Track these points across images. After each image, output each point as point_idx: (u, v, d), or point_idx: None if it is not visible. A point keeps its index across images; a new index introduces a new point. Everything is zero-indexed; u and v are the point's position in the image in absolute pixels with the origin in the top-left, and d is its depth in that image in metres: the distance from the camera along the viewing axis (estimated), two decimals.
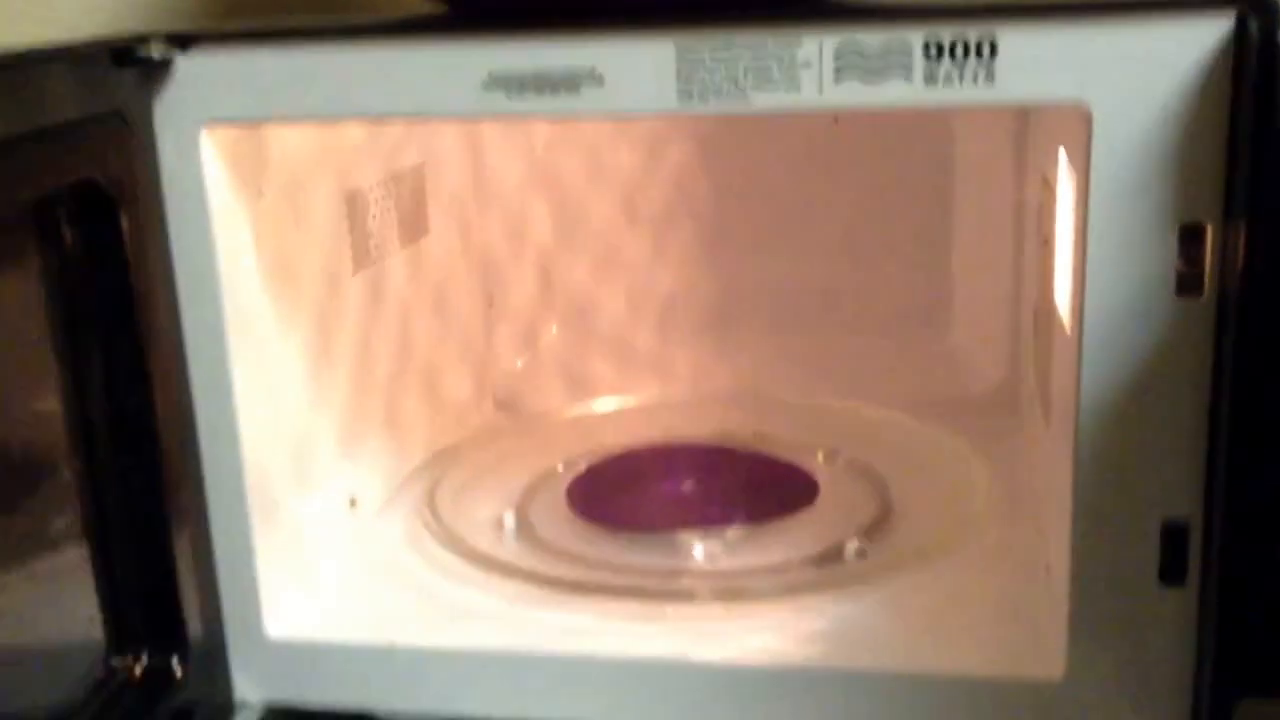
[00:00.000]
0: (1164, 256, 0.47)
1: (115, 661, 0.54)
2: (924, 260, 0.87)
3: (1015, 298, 0.83)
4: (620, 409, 0.87)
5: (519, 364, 0.91)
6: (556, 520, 0.69)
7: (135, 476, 0.53)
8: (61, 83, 0.47)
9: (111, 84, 0.49)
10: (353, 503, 0.69)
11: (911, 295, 0.88)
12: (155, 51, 0.51)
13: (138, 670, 0.54)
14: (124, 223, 0.50)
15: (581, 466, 0.76)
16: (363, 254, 0.70)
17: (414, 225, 0.77)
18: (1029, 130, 0.78)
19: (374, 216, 0.71)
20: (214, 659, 0.58)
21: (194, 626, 0.55)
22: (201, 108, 0.52)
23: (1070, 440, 0.50)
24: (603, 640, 0.57)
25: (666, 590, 0.60)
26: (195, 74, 0.52)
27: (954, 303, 0.87)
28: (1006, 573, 0.62)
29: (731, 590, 0.60)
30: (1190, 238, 0.46)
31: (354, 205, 0.69)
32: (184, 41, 0.51)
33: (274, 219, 0.59)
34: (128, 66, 0.50)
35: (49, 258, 0.50)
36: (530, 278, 0.90)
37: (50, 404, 0.50)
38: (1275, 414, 0.45)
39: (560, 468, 0.76)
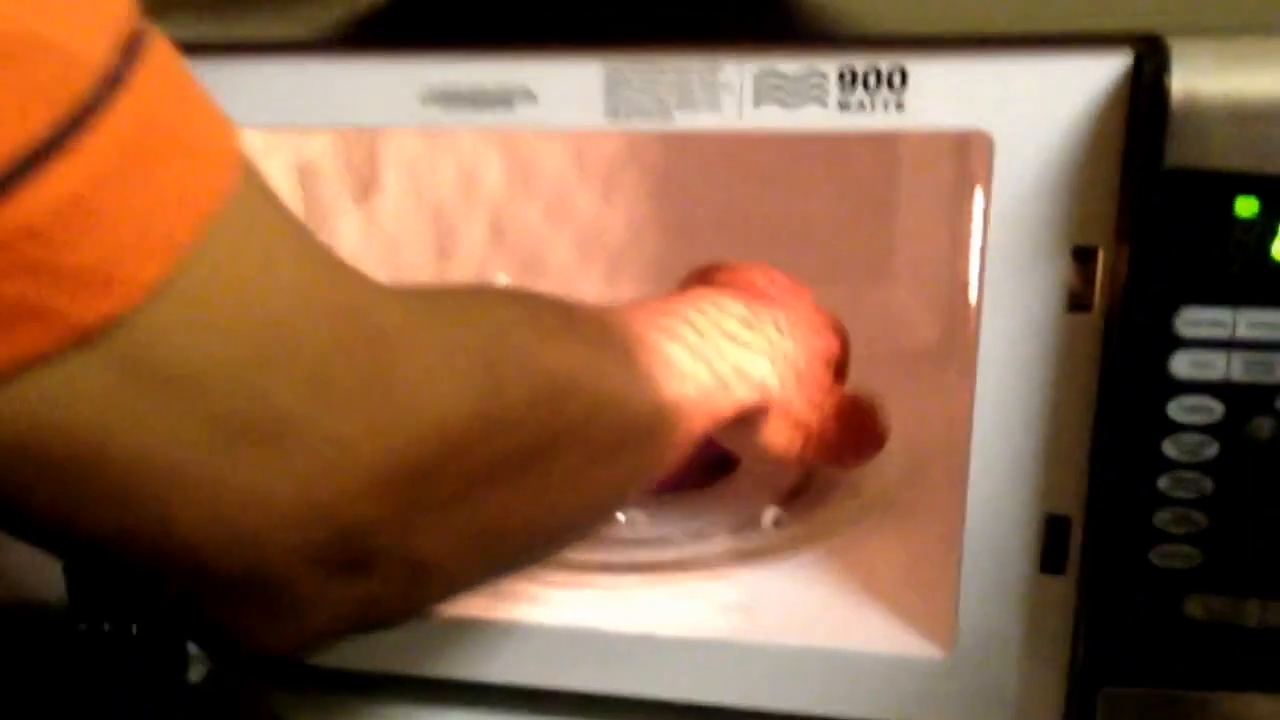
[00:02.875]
0: (1058, 275, 0.50)
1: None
2: (868, 218, 0.89)
3: (953, 259, 0.86)
4: None
5: None
6: None
7: None
8: None
9: None
10: None
11: (855, 251, 0.91)
12: None
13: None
14: None
15: None
16: (316, 220, 0.72)
17: (367, 185, 0.80)
18: None
19: (327, 183, 0.74)
20: None
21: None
22: None
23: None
24: (520, 607, 0.61)
25: (585, 561, 0.63)
26: None
27: (896, 259, 0.90)
28: (916, 544, 0.65)
29: (648, 563, 0.64)
30: (1083, 259, 0.49)
31: (306, 175, 0.71)
32: None
33: None
34: None
35: None
36: (481, 227, 0.93)
37: None
38: (1144, 421, 0.49)
39: None
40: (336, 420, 0.34)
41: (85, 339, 0.30)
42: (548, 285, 0.94)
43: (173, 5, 0.38)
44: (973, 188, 0.75)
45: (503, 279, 0.94)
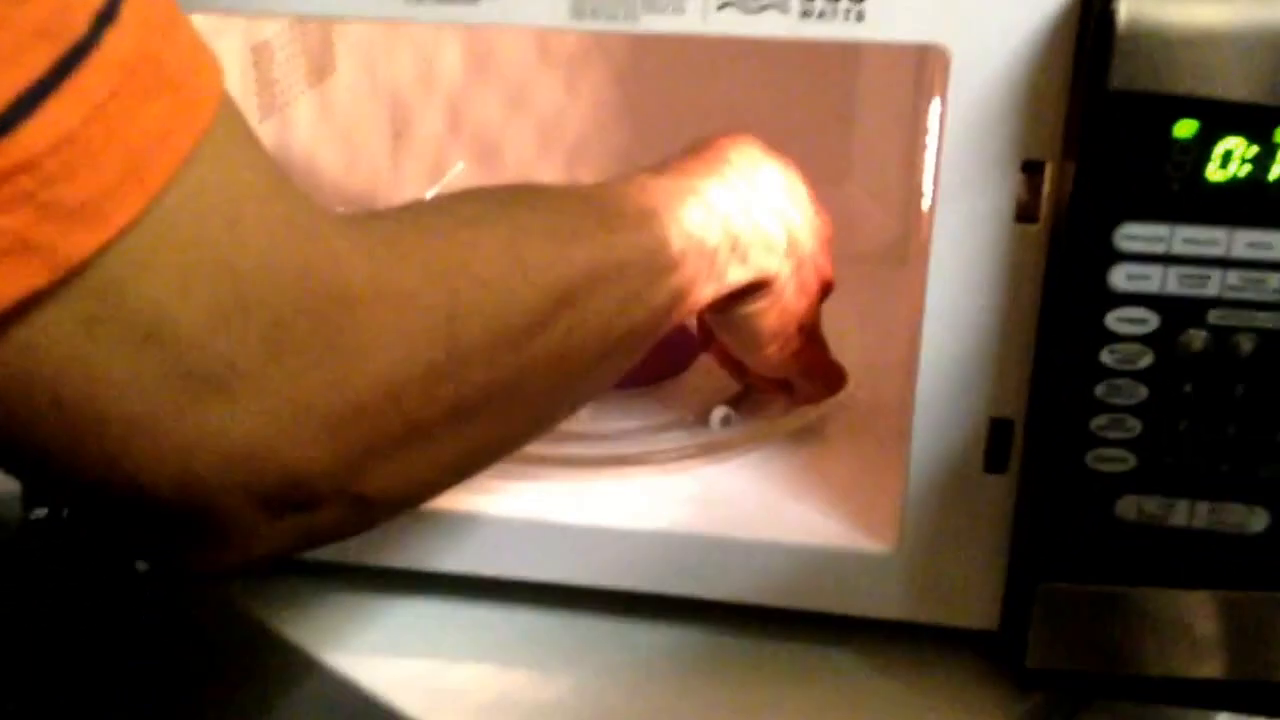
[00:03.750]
0: (1007, 187, 0.51)
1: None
2: (829, 118, 0.90)
3: (911, 163, 0.86)
4: None
5: (427, 197, 0.93)
6: None
7: None
8: None
9: None
10: None
11: (815, 150, 0.91)
12: None
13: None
14: None
15: None
16: (268, 101, 0.72)
17: (321, 67, 0.79)
18: None
19: (280, 64, 0.73)
20: None
21: None
22: None
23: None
24: (475, 498, 0.61)
25: (540, 453, 0.63)
26: None
27: (855, 160, 0.91)
28: (866, 442, 0.67)
29: (602, 456, 0.65)
30: (1031, 172, 0.51)
31: (260, 56, 0.70)
32: None
33: None
34: None
35: None
36: (439, 113, 0.92)
37: None
38: (1084, 330, 0.50)
39: None
40: (289, 376, 0.35)
41: (72, 276, 0.30)
42: (506, 176, 0.94)
43: None
44: (931, 96, 0.76)
45: (460, 168, 0.94)
